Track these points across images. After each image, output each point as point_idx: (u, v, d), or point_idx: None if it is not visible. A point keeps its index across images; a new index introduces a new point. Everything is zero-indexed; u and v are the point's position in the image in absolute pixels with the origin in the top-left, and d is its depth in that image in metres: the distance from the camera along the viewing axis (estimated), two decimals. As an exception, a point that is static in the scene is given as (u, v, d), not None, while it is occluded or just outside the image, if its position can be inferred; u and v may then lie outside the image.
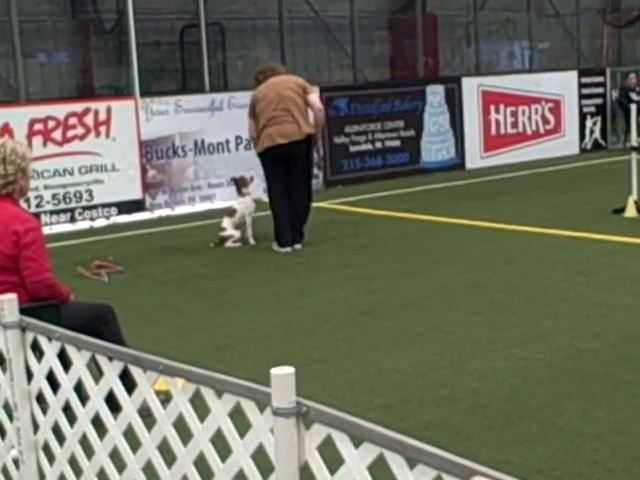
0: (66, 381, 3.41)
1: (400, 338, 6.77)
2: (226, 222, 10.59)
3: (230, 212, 10.68)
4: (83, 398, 3.38)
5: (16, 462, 3.76)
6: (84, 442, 3.39)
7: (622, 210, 11.24)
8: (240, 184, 10.82)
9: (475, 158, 16.99)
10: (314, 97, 9.95)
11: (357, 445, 2.36)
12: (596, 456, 4.60)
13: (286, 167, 10.03)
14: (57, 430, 3.52)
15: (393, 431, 2.28)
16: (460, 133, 16.75)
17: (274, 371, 2.49)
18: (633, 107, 12.10)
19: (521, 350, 6.33)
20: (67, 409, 3.44)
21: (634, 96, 18.08)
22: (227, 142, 14.06)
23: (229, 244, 10.45)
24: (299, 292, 8.31)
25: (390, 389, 5.69)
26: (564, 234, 10.25)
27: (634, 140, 11.66)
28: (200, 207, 13.68)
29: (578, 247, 9.65)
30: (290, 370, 2.49)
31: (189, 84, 15.77)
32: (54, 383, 3.49)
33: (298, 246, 10.04)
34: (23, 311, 3.61)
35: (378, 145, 15.75)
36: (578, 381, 5.69)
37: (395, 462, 2.25)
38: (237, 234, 10.50)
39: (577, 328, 6.77)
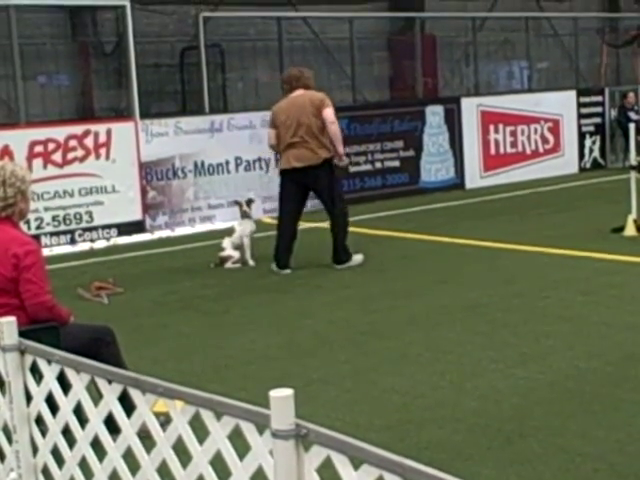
0: (65, 404, 3.41)
1: (400, 358, 6.76)
2: (226, 242, 10.61)
3: (230, 233, 10.70)
4: (82, 421, 3.38)
5: (15, 485, 3.76)
6: (83, 465, 3.38)
7: (621, 229, 11.25)
8: (242, 206, 10.86)
9: (475, 178, 17.01)
10: (328, 112, 10.01)
11: (357, 467, 2.36)
12: (596, 476, 4.60)
13: (304, 192, 10.26)
14: (56, 453, 3.52)
15: (393, 452, 2.28)
16: (459, 153, 16.78)
17: (273, 393, 2.50)
18: (632, 126, 12.12)
19: (521, 370, 6.32)
20: (66, 432, 3.44)
21: (633, 115, 18.13)
22: (227, 163, 14.08)
23: (229, 265, 10.45)
24: (299, 312, 8.30)
25: (390, 410, 5.68)
26: (563, 253, 10.25)
27: (633, 159, 11.69)
28: (200, 228, 13.69)
29: (577, 266, 9.64)
30: (289, 392, 2.49)
31: (189, 106, 15.81)
32: (53, 406, 3.48)
33: (338, 266, 10.11)
34: (22, 334, 3.61)
35: (377, 165, 15.78)
36: (578, 400, 5.68)
37: (394, 484, 2.25)
38: (237, 255, 10.50)
39: (577, 347, 6.76)
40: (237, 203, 11.10)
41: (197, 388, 2.88)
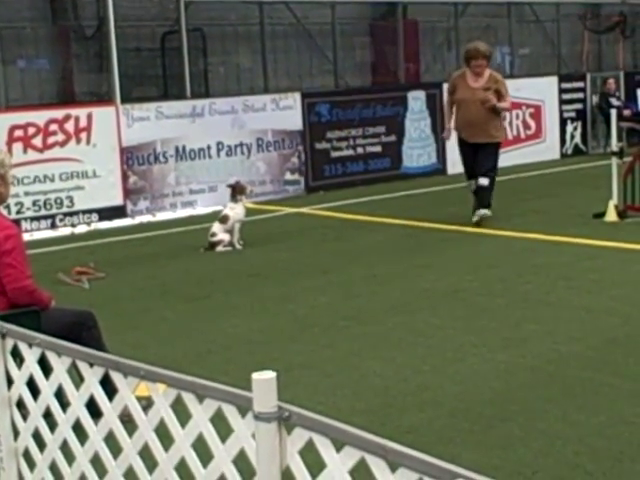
0: (46, 387, 3.40)
1: (382, 343, 6.77)
2: (217, 227, 10.60)
3: (222, 218, 10.67)
4: (64, 404, 3.37)
5: (-4, 469, 3.75)
6: (65, 448, 3.37)
7: (603, 214, 11.29)
8: (236, 191, 10.85)
9: (457, 163, 16.91)
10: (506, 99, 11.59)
11: (339, 449, 2.36)
12: (577, 459, 4.62)
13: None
14: (38, 436, 3.51)
15: (375, 435, 2.29)
16: (441, 138, 16.75)
17: (255, 376, 2.49)
18: (613, 112, 12.13)
19: (502, 354, 6.34)
20: (48, 415, 3.43)
21: (614, 101, 18.18)
22: (208, 148, 14.04)
23: (220, 249, 10.46)
24: (281, 298, 8.31)
25: (372, 394, 5.69)
26: (545, 238, 10.29)
27: (614, 145, 11.72)
28: (181, 213, 13.66)
29: (559, 251, 9.68)
30: (272, 375, 2.49)
31: (170, 90, 15.73)
32: (34, 389, 3.47)
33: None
34: (3, 318, 3.60)
35: (359, 150, 15.78)
36: (559, 384, 5.71)
37: (377, 466, 2.25)
38: (227, 237, 10.52)
39: (558, 332, 6.79)
40: (231, 186, 11.08)
41: (179, 372, 2.87)
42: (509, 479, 4.36)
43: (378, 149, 16.02)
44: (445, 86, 16.82)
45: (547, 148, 18.40)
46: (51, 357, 3.36)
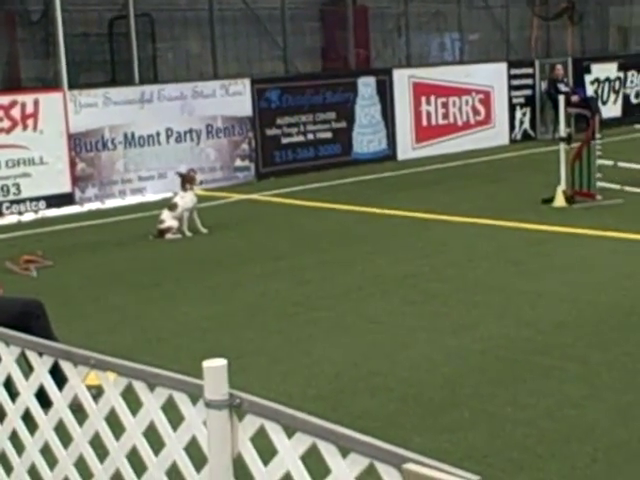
0: (-5, 377, 3.37)
1: (333, 329, 6.80)
2: (165, 215, 10.59)
3: (171, 206, 10.67)
4: (13, 394, 3.35)
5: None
6: (14, 439, 3.35)
7: (551, 200, 11.41)
8: (186, 180, 10.84)
9: (407, 149, 17.11)
10: None
11: (290, 435, 2.38)
12: (526, 441, 4.68)
13: None
14: (-14, 427, 3.48)
15: (326, 421, 2.30)
16: (391, 124, 16.85)
17: (206, 364, 2.50)
18: (561, 98, 12.25)
19: (453, 339, 6.39)
20: (-5, 406, 3.41)
21: (562, 87, 18.33)
22: (157, 135, 13.96)
23: (169, 236, 10.44)
24: (231, 285, 8.30)
25: (323, 380, 5.71)
26: (495, 224, 10.37)
27: (562, 131, 11.84)
28: (131, 200, 13.58)
29: (508, 237, 9.77)
30: (222, 362, 2.50)
31: (118, 76, 15.60)
32: (-18, 379, 3.45)
33: None
34: (-51, 307, 3.57)
35: (310, 137, 15.78)
36: (509, 368, 5.77)
37: (328, 451, 2.27)
38: (176, 224, 10.50)
39: (507, 316, 6.86)
40: (180, 175, 11.06)
41: (130, 360, 2.87)
42: (459, 463, 4.35)
43: (328, 135, 16.04)
44: (395, 72, 16.95)
45: (496, 134, 18.54)
46: (-1, 347, 3.33)
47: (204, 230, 10.66)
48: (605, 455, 4.48)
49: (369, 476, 2.18)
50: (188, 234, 10.56)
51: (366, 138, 16.55)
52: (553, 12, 21.74)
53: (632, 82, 21.17)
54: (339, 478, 2.26)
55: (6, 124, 12.50)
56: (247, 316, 7.27)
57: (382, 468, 2.13)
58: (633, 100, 21.23)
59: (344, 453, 2.24)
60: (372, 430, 3.55)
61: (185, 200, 10.68)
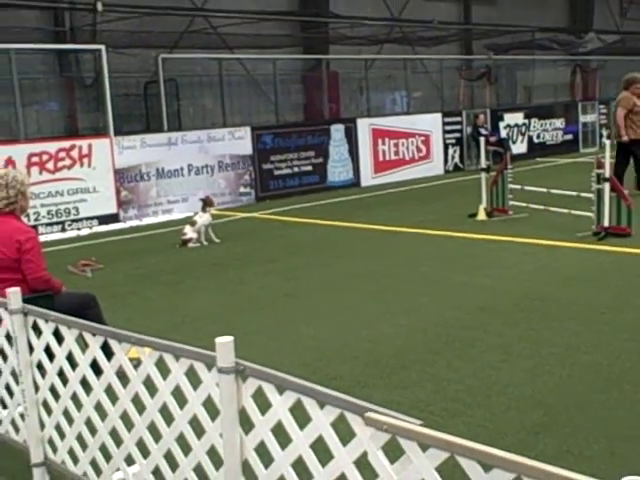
0: (59, 352, 3.37)
1: (314, 313, 6.80)
2: (187, 229, 10.59)
3: (192, 222, 10.68)
4: (73, 365, 3.34)
5: (22, 416, 3.71)
6: (75, 399, 3.35)
7: (475, 215, 11.45)
8: (206, 203, 10.81)
9: (368, 178, 17.13)
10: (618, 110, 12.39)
11: (281, 393, 2.38)
12: (458, 395, 4.69)
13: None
14: (54, 390, 3.47)
15: (308, 382, 2.31)
16: (356, 160, 16.87)
17: (218, 340, 2.51)
18: (482, 139, 12.30)
19: (403, 319, 6.40)
20: (61, 374, 3.40)
21: (483, 131, 18.41)
22: (181, 169, 13.93)
23: (191, 245, 10.44)
24: (237, 281, 8.29)
25: (306, 351, 5.71)
26: (434, 233, 10.40)
27: (483, 163, 11.89)
28: (162, 218, 13.53)
29: (443, 242, 9.79)
30: (230, 339, 2.50)
31: (152, 126, 15.57)
32: (50, 354, 3.44)
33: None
34: (25, 300, 3.56)
35: (295, 169, 15.77)
36: (444, 340, 5.78)
37: (309, 404, 2.28)
38: (195, 236, 10.50)
39: (443, 302, 6.87)
40: (202, 200, 11.02)
41: (161, 338, 2.87)
42: (408, 412, 4.37)
43: (309, 168, 16.03)
44: (359, 121, 16.99)
45: (434, 166, 18.59)
46: (63, 330, 3.33)
47: (217, 240, 10.64)
48: (517, 404, 4.50)
49: (341, 422, 2.19)
50: (205, 243, 10.54)
51: (337, 170, 16.56)
52: (475, 75, 21.88)
53: (534, 127, 21.27)
54: (318, 424, 2.27)
55: (67, 162, 12.44)
56: (249, 304, 7.27)
57: (350, 416, 2.14)
58: (535, 140, 21.34)
59: (321, 405, 2.25)
60: (343, 388, 3.56)
61: (203, 218, 10.66)
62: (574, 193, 10.10)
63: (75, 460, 3.42)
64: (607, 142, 9.63)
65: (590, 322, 6.01)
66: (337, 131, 16.54)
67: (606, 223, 9.43)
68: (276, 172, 15.44)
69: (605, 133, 22.98)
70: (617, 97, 12.76)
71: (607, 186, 9.37)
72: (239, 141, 14.78)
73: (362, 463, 2.15)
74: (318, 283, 7.95)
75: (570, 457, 3.78)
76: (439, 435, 1.90)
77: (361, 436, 2.10)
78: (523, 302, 6.72)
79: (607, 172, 9.33)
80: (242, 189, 14.89)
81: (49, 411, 3.54)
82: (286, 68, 18.01)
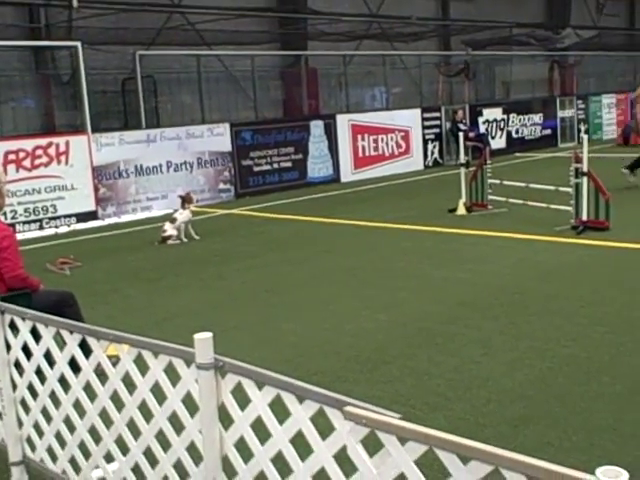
0: (37, 350, 3.34)
1: (295, 309, 6.79)
2: (167, 226, 10.55)
3: (172, 219, 10.66)
4: (51, 363, 3.31)
5: (0, 414, 3.67)
6: (53, 397, 3.32)
7: (455, 209, 11.49)
8: (186, 200, 10.76)
9: (347, 174, 17.14)
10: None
11: (260, 388, 2.37)
12: (439, 389, 4.70)
13: None
14: (32, 388, 3.44)
15: (288, 377, 2.30)
16: (336, 155, 16.87)
17: (197, 336, 2.50)
18: (461, 134, 12.34)
19: (383, 314, 6.41)
20: (39, 372, 3.37)
21: (461, 126, 18.49)
22: (160, 166, 13.87)
23: (170, 242, 10.39)
24: (217, 277, 8.27)
25: (287, 347, 5.70)
26: (413, 228, 10.42)
27: (462, 158, 11.94)
28: (140, 215, 13.47)
29: (423, 237, 9.80)
30: (209, 335, 2.50)
31: (130, 122, 15.49)
32: (28, 352, 3.41)
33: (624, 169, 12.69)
34: (2, 299, 3.53)
35: (275, 166, 15.76)
36: (425, 335, 5.79)
37: (289, 399, 2.27)
38: (175, 232, 10.45)
39: (423, 297, 6.89)
40: (181, 197, 10.97)
41: (141, 336, 2.85)
42: (389, 406, 4.36)
43: (289, 164, 16.02)
44: (338, 117, 16.98)
45: (414, 161, 18.65)
46: (40, 327, 3.30)
47: (197, 237, 10.61)
48: (497, 397, 4.52)
49: (320, 417, 2.19)
50: (185, 240, 10.50)
51: (317, 166, 16.56)
52: (454, 71, 21.94)
53: (513, 122, 21.38)
54: (297, 419, 2.26)
55: (45, 159, 12.34)
56: (230, 300, 7.25)
57: (329, 411, 2.14)
58: (514, 135, 21.45)
59: (300, 400, 2.24)
60: (324, 383, 3.56)
61: (182, 215, 10.62)
62: (553, 187, 10.16)
63: (54, 458, 3.40)
64: (585, 137, 9.69)
65: (569, 315, 6.05)
66: (316, 127, 16.53)
67: (584, 217, 9.49)
68: (256, 168, 15.41)
69: (583, 128, 23.13)
70: (634, 94, 13.27)
71: (585, 180, 9.43)
72: (218, 138, 14.74)
73: (342, 457, 2.15)
74: (298, 279, 7.94)
75: (550, 449, 3.81)
76: (417, 428, 1.90)
77: (340, 430, 2.10)
78: (503, 296, 6.75)
79: (585, 166, 9.39)
80: (222, 186, 14.86)
81: (27, 409, 3.51)
82: (265, 64, 17.98)
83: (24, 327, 3.38)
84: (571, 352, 5.21)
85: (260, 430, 2.42)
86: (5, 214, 11.06)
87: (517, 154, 20.55)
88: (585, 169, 9.41)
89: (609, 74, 26.76)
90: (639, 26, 31.86)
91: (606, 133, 24.32)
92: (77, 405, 3.19)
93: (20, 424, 3.57)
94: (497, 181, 11.24)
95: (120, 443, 3.02)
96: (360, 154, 17.41)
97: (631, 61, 27.97)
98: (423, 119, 18.93)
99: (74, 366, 3.16)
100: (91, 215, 12.92)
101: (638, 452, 3.75)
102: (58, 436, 3.34)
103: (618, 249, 8.44)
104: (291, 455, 2.30)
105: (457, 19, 24.00)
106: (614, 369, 4.85)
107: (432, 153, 19.22)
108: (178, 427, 2.71)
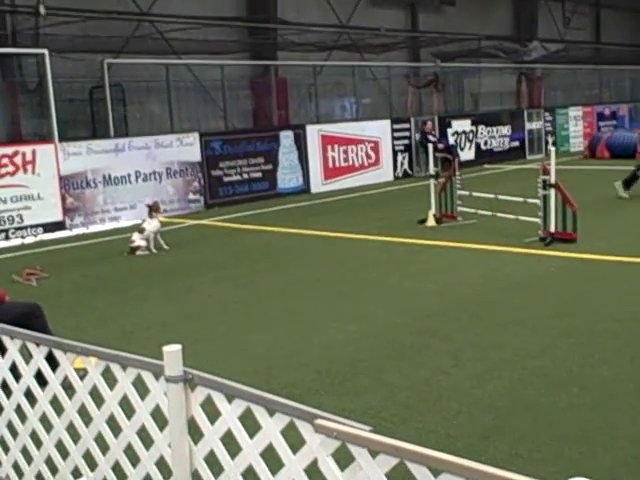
0: (2, 363, 3.29)
1: (264, 320, 6.77)
2: (136, 236, 10.47)
3: (140, 230, 10.57)
4: (17, 376, 3.27)
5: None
6: (19, 411, 3.27)
7: (424, 221, 11.55)
8: (153, 209, 10.70)
9: (318, 185, 17.17)
10: None
11: (230, 401, 2.37)
12: (409, 401, 4.71)
13: None
14: (-4, 402, 3.39)
15: (258, 390, 2.30)
16: (306, 166, 16.89)
17: (166, 348, 2.48)
18: (430, 146, 12.44)
19: (353, 326, 6.42)
20: (4, 386, 3.32)
21: (431, 137, 18.61)
22: (129, 176, 13.78)
23: (139, 253, 10.31)
24: (186, 288, 8.22)
25: (257, 359, 5.68)
26: (383, 239, 10.45)
27: (432, 170, 12.02)
28: (109, 226, 13.35)
29: (393, 249, 9.84)
30: (178, 347, 2.48)
31: (98, 131, 15.37)
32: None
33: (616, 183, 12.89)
34: (-34, 310, 3.47)
35: (245, 176, 15.73)
36: (395, 347, 5.81)
37: (259, 412, 2.27)
38: (144, 243, 10.37)
39: (393, 308, 6.91)
40: (148, 206, 10.90)
41: (109, 348, 2.83)
42: (359, 418, 4.40)
43: (259, 175, 16.01)
44: (308, 127, 17.02)
45: (383, 172, 18.73)
46: (6, 340, 3.25)
47: (166, 247, 10.54)
48: (467, 409, 4.54)
49: (291, 430, 2.18)
50: (154, 251, 10.43)
51: (287, 177, 16.56)
52: (423, 82, 22.11)
53: (481, 134, 21.58)
54: (267, 432, 2.26)
55: (10, 169, 12.20)
56: (199, 312, 7.21)
57: (299, 423, 2.14)
58: (483, 147, 21.65)
59: (271, 413, 2.24)
60: (294, 396, 3.55)
61: (151, 225, 10.55)
62: (521, 199, 10.27)
63: (20, 474, 3.35)
64: (552, 149, 9.81)
65: (538, 326, 6.11)
66: (286, 137, 16.55)
67: (552, 229, 9.60)
68: (225, 179, 15.37)
69: (550, 140, 23.41)
70: None
71: (553, 192, 9.55)
72: (187, 147, 14.68)
73: (312, 471, 2.15)
74: (268, 290, 7.92)
75: (519, 460, 3.84)
76: (388, 441, 1.91)
77: (311, 443, 2.10)
78: (472, 307, 6.79)
79: (553, 178, 9.50)
80: (191, 196, 14.80)
81: (-8, 424, 3.45)
82: (234, 74, 17.95)
83: (-11, 340, 3.33)
84: (540, 363, 5.26)
85: (230, 444, 2.41)
86: (-31, 224, 10.89)
87: (486, 166, 20.74)
88: (553, 181, 9.52)
89: (576, 87, 27.15)
90: (605, 40, 32.39)
91: (573, 145, 24.65)
92: (44, 419, 3.15)
93: (-16, 439, 3.51)
94: (466, 192, 11.33)
95: (88, 458, 2.98)
96: (330, 165, 17.45)
97: (597, 74, 28.41)
98: (393, 130, 19.03)
99: (41, 379, 3.12)
100: (58, 225, 12.78)
101: (606, 463, 3.79)
102: (24, 451, 3.30)
103: (585, 260, 8.54)
104: (262, 469, 2.30)
105: (426, 31, 24.21)
106: (582, 380, 4.90)
107: (402, 164, 19.31)
108: (147, 441, 2.69)
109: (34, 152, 12.47)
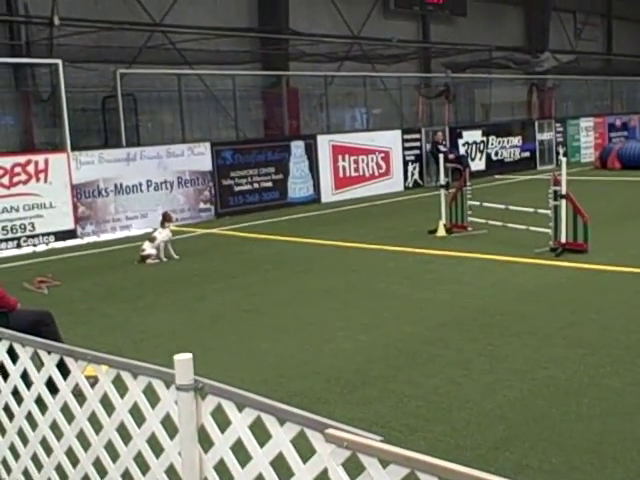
0: (14, 371, 3.29)
1: (274, 329, 6.77)
2: (146, 245, 10.50)
3: (151, 238, 10.62)
4: (28, 384, 3.27)
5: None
6: (29, 418, 3.28)
7: (435, 231, 11.54)
8: (165, 219, 10.74)
9: (328, 194, 17.18)
10: None
11: (241, 410, 2.36)
12: (418, 411, 4.70)
13: None
14: (8, 410, 3.40)
15: (268, 399, 2.29)
16: (317, 176, 16.91)
17: (177, 357, 2.48)
18: (441, 156, 12.43)
19: (363, 335, 6.41)
20: (15, 393, 3.32)
21: (441, 148, 18.61)
22: (140, 185, 13.83)
23: (150, 261, 10.34)
24: (197, 297, 8.23)
25: (267, 367, 5.68)
26: (394, 249, 10.44)
27: (442, 180, 12.00)
28: (120, 234, 13.40)
29: (404, 258, 9.83)
30: (189, 356, 2.48)
31: (110, 141, 15.43)
32: (4, 373, 3.36)
33: None
34: (-22, 318, 3.48)
35: (256, 185, 15.76)
36: (405, 356, 5.79)
37: (269, 421, 2.26)
38: (154, 252, 10.40)
39: (404, 318, 6.90)
40: (162, 216, 10.94)
41: (119, 356, 2.83)
42: (369, 428, 4.39)
43: (270, 184, 16.04)
44: (319, 137, 17.04)
45: (394, 182, 18.72)
46: (17, 347, 3.26)
47: (176, 256, 10.56)
48: (477, 419, 4.52)
49: (301, 439, 2.18)
50: (164, 260, 10.46)
51: (298, 186, 16.59)
52: (434, 93, 22.11)
53: (492, 144, 21.57)
54: (278, 441, 2.25)
55: (23, 177, 12.27)
56: (209, 321, 7.22)
57: (310, 433, 2.13)
58: (493, 157, 21.63)
59: (281, 422, 2.23)
60: (304, 405, 3.54)
61: (162, 234, 10.59)
62: (532, 210, 10.24)
63: (30, 481, 3.35)
64: (563, 159, 9.78)
65: (548, 337, 6.08)
66: (297, 147, 16.57)
67: (563, 239, 9.57)
68: (236, 188, 15.40)
69: (561, 151, 23.38)
70: None
71: (564, 203, 9.51)
72: (199, 157, 14.73)
73: (323, 480, 2.14)
74: (278, 299, 7.92)
75: (530, 471, 3.81)
76: (399, 451, 1.90)
77: (321, 453, 2.09)
78: (482, 317, 6.77)
79: (564, 189, 9.47)
80: (202, 205, 14.83)
81: (3, 431, 3.46)
82: (246, 84, 18.01)
83: (1, 347, 3.34)
84: (550, 374, 5.23)
85: (240, 452, 2.40)
86: (-18, 232, 10.95)
87: (496, 176, 20.71)
88: (564, 192, 9.49)
89: (587, 98, 27.11)
90: (616, 51, 32.34)
91: (584, 156, 24.59)
92: (54, 427, 3.15)
93: (-5, 446, 3.51)
94: (477, 203, 11.31)
95: (98, 465, 2.98)
96: (341, 174, 17.46)
97: (608, 85, 28.35)
98: (403, 140, 19.03)
99: (51, 387, 3.13)
100: (70, 234, 12.84)
101: (617, 474, 3.76)
102: (34, 458, 3.30)
103: (596, 271, 8.50)
104: (272, 478, 2.29)
105: (437, 42, 24.24)
106: (593, 391, 4.87)
107: (412, 174, 19.30)
108: (157, 450, 2.69)
109: (47, 161, 12.54)
